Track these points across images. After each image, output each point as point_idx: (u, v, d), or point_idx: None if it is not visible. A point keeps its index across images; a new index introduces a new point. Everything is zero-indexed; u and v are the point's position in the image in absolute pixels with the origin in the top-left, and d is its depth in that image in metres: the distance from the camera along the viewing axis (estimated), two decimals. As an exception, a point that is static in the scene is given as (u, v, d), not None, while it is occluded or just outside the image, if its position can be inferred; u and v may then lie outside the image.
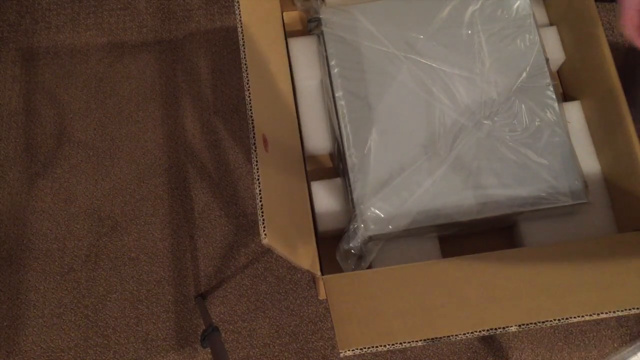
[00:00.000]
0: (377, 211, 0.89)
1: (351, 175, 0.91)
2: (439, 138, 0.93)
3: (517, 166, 0.91)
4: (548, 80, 0.95)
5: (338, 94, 0.95)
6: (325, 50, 0.98)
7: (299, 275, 1.26)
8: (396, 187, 0.90)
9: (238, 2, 0.76)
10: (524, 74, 0.95)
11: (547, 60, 0.97)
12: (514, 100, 0.94)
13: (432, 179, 0.90)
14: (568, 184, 0.90)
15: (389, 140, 0.93)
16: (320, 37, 1.00)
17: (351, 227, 0.89)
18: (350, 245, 0.89)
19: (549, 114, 0.93)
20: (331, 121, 0.98)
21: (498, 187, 0.90)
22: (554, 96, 0.94)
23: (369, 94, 0.95)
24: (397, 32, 0.98)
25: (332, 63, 0.97)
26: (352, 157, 0.92)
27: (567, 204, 0.89)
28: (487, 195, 0.90)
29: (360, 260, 0.93)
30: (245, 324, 1.24)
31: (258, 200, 0.63)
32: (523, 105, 0.94)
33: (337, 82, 0.96)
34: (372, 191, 0.90)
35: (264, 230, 0.61)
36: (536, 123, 0.93)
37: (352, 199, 0.91)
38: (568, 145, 0.92)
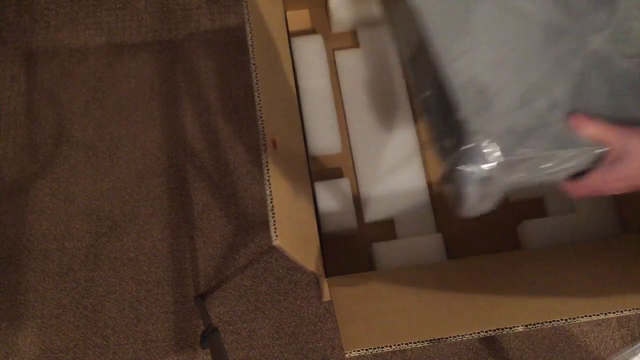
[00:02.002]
0: (498, 136, 0.69)
1: (460, 92, 0.71)
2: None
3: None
4: None
5: None
6: None
7: (298, 275, 1.26)
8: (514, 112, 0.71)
9: (246, 1, 0.76)
10: None
11: None
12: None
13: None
14: None
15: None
16: None
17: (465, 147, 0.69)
18: (474, 169, 0.69)
19: None
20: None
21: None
22: None
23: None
24: None
25: None
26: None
27: None
28: None
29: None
30: (245, 324, 1.24)
31: (269, 202, 0.63)
32: None
33: None
34: (489, 112, 0.70)
35: (275, 232, 0.61)
36: None
37: (455, 121, 0.71)
38: None
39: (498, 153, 0.68)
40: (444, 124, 0.73)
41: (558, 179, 0.73)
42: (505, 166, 0.69)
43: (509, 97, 0.71)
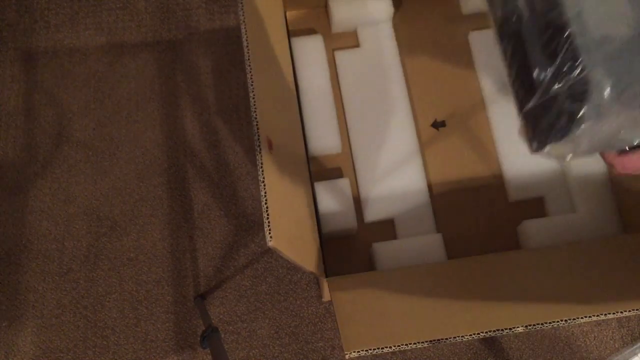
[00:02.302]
0: (610, 75, 0.60)
1: (573, 16, 0.62)
2: None
3: None
4: None
5: None
6: None
7: (298, 275, 1.26)
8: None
9: (242, 2, 0.76)
10: None
11: None
12: None
13: None
14: None
15: None
16: None
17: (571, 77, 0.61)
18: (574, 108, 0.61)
19: None
20: None
21: None
22: None
23: None
24: None
25: None
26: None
27: None
28: None
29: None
30: (245, 324, 1.24)
31: (263, 203, 0.63)
32: None
33: None
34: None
35: (269, 233, 0.61)
36: None
37: (561, 49, 0.62)
38: None
39: (609, 91, 0.60)
40: (541, 51, 0.65)
41: (622, 146, 0.66)
42: (608, 110, 0.61)
43: (623, 37, 0.62)
